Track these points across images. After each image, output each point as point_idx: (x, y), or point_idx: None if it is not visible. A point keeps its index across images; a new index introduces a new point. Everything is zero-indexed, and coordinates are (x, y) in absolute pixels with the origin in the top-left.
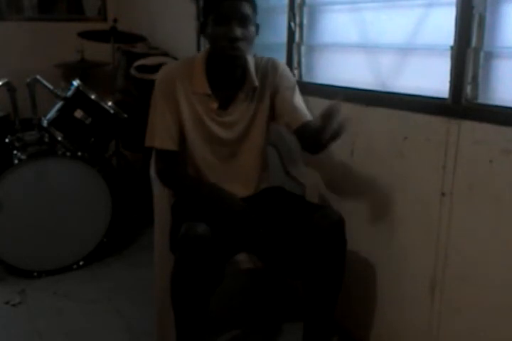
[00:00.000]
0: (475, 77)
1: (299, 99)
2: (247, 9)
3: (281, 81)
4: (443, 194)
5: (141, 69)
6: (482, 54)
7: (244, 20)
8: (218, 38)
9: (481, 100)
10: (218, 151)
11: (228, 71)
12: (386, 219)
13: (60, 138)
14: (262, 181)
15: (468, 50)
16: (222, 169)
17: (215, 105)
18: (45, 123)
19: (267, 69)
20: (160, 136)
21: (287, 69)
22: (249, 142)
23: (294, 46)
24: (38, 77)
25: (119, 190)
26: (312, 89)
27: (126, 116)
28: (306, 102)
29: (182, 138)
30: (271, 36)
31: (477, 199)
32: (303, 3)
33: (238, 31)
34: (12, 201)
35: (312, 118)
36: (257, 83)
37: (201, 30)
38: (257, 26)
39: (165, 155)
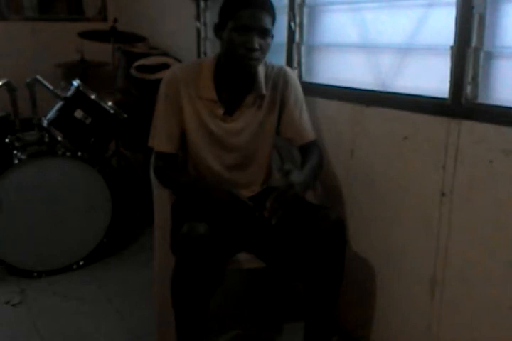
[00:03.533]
0: (475, 77)
1: (305, 115)
2: (268, 22)
3: (291, 94)
4: (443, 194)
5: (141, 69)
6: (482, 54)
7: (263, 32)
8: (236, 45)
9: (481, 100)
10: (222, 157)
11: (238, 77)
12: (386, 219)
13: (60, 138)
14: (264, 184)
15: (468, 50)
16: (224, 174)
17: (220, 111)
18: (45, 123)
19: (279, 79)
20: (159, 138)
21: (298, 82)
22: (257, 150)
23: (294, 46)
24: (38, 77)
25: (119, 190)
26: (312, 89)
27: (126, 116)
28: (306, 102)
29: (183, 141)
30: None
31: (477, 199)
32: (303, 3)
33: (256, 42)
34: (12, 201)
35: (315, 136)
36: (264, 91)
37: (216, 31)
38: (272, 37)
39: (163, 156)
